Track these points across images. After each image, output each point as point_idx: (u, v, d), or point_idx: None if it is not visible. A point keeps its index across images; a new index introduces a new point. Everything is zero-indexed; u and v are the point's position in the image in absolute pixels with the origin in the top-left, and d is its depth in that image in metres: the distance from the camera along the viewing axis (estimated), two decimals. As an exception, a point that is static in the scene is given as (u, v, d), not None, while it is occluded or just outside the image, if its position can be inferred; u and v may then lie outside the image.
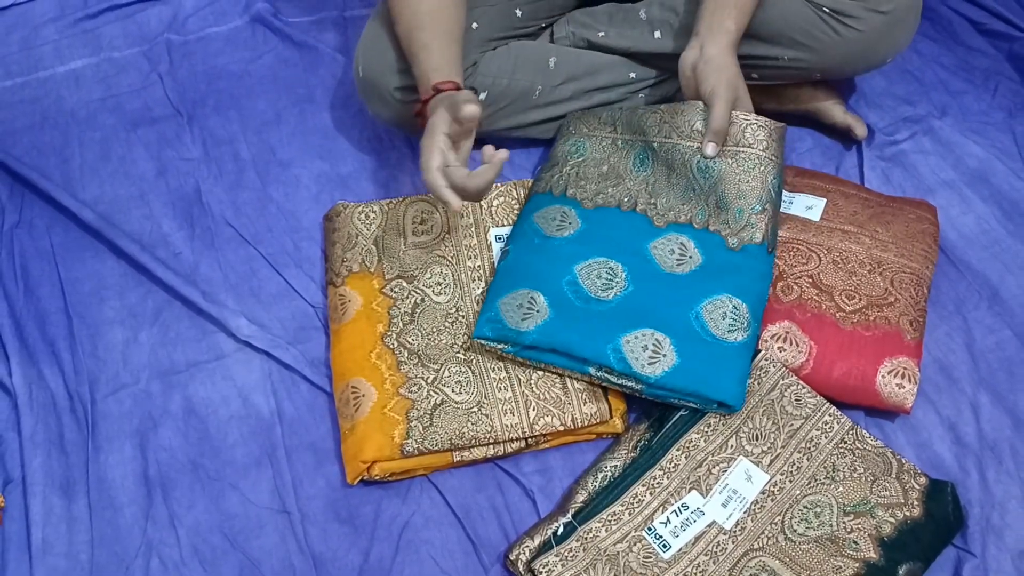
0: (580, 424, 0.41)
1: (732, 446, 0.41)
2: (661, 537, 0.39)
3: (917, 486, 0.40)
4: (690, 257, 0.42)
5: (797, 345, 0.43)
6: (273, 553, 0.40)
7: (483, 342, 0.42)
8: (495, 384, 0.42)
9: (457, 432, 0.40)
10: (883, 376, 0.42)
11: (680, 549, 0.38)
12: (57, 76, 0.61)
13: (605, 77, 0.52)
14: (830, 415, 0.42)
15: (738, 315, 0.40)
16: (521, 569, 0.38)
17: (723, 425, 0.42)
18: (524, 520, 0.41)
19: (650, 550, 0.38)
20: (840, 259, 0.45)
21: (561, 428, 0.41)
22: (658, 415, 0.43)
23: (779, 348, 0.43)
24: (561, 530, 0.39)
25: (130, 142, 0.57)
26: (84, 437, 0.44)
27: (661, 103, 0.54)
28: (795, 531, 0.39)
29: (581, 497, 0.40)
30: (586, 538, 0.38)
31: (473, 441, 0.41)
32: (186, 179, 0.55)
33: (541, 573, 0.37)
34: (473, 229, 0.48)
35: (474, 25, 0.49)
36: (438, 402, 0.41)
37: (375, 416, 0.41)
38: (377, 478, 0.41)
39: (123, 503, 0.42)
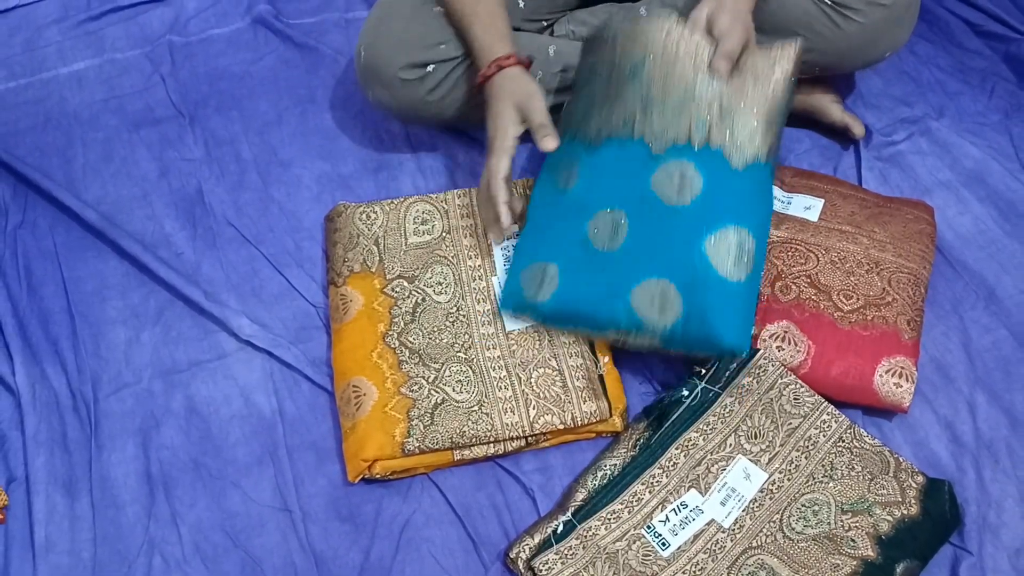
0: (580, 422, 0.42)
1: (731, 444, 0.41)
2: (660, 535, 0.39)
3: (914, 485, 0.40)
4: (691, 185, 0.39)
5: (795, 344, 0.43)
6: (275, 551, 0.40)
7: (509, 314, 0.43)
8: (496, 383, 0.42)
9: (458, 431, 0.41)
10: (880, 375, 0.42)
11: (679, 547, 0.39)
12: (60, 77, 0.61)
13: None
14: (828, 414, 0.43)
15: (744, 249, 0.39)
16: (521, 567, 0.39)
17: (722, 424, 0.42)
18: (524, 518, 0.41)
19: (649, 548, 0.39)
20: (838, 259, 0.45)
21: (561, 426, 0.41)
22: (657, 414, 0.43)
23: (778, 347, 0.43)
24: (561, 528, 0.39)
25: (132, 143, 0.57)
26: (87, 436, 0.44)
27: None
28: (793, 529, 0.39)
29: (581, 495, 0.40)
30: (586, 536, 0.39)
31: (474, 440, 0.41)
32: (188, 179, 0.55)
33: (541, 571, 0.38)
34: (474, 229, 0.48)
35: None
36: (439, 401, 0.42)
37: (376, 415, 0.41)
38: (378, 476, 0.41)
39: (125, 501, 0.42)
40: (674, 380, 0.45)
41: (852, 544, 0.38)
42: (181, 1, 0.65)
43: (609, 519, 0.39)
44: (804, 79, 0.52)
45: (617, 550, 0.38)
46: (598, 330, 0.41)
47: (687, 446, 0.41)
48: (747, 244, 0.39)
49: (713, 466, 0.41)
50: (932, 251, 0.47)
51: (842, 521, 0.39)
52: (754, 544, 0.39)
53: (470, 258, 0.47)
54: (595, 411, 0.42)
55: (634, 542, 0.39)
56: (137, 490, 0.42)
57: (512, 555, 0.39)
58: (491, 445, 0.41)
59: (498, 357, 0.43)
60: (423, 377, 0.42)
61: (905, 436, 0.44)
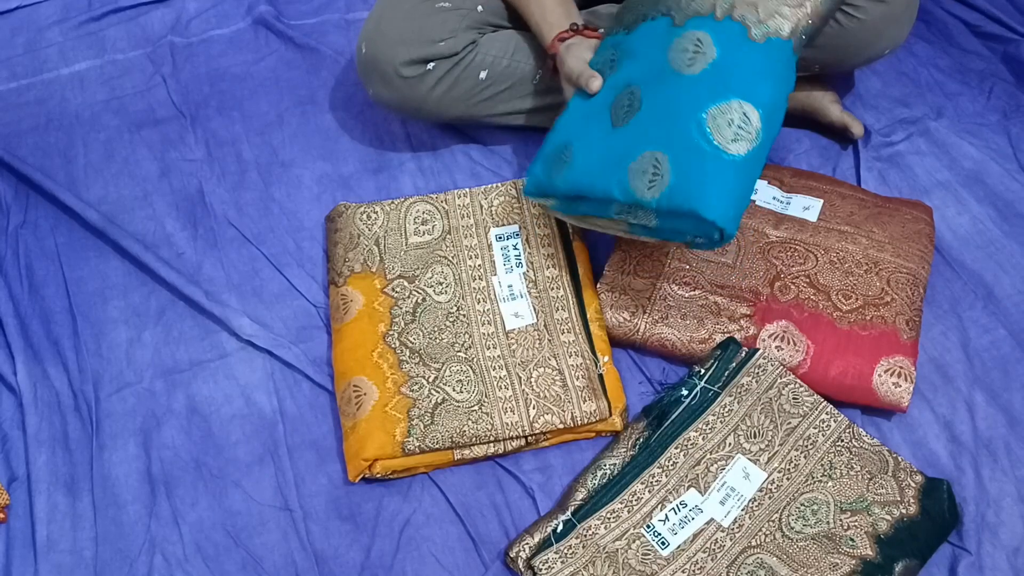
0: (580, 422, 0.42)
1: (730, 444, 0.42)
2: (660, 534, 0.39)
3: (913, 484, 0.40)
4: (704, 53, 0.36)
5: (795, 344, 0.43)
6: (275, 550, 0.41)
7: (533, 200, 0.43)
8: (496, 383, 0.42)
9: (458, 430, 0.41)
10: (880, 375, 0.42)
11: (679, 546, 0.39)
12: (61, 78, 0.61)
13: None
14: (827, 413, 0.43)
15: (747, 124, 0.35)
16: (521, 566, 0.39)
17: (721, 423, 0.42)
18: (524, 518, 0.41)
19: (649, 547, 0.39)
20: (837, 259, 0.45)
21: (561, 426, 0.42)
22: (657, 413, 0.43)
23: (777, 347, 0.43)
24: (561, 527, 0.39)
25: (134, 143, 0.58)
26: (88, 435, 0.44)
27: None
28: (792, 528, 0.39)
29: (580, 495, 0.40)
30: (585, 535, 0.39)
31: (474, 439, 0.41)
32: (189, 180, 0.55)
33: (541, 570, 0.38)
34: (474, 229, 0.48)
35: (479, 7, 0.50)
36: (439, 400, 0.42)
37: (377, 414, 0.41)
38: (378, 476, 0.41)
39: (127, 500, 0.42)
40: (673, 380, 0.45)
41: (851, 543, 0.38)
42: (182, 2, 0.66)
43: (609, 518, 0.39)
44: (803, 78, 0.52)
45: (617, 549, 0.38)
46: (601, 209, 0.39)
47: (686, 445, 0.41)
48: (752, 119, 0.35)
49: (712, 465, 0.41)
50: (931, 251, 0.47)
51: (841, 520, 0.39)
52: (753, 543, 0.39)
53: (470, 258, 0.47)
54: (595, 411, 0.42)
55: (634, 541, 0.39)
56: (138, 489, 0.42)
57: (512, 554, 0.39)
58: (491, 444, 0.42)
59: (498, 357, 0.43)
60: (423, 377, 0.43)
61: (904, 435, 0.44)
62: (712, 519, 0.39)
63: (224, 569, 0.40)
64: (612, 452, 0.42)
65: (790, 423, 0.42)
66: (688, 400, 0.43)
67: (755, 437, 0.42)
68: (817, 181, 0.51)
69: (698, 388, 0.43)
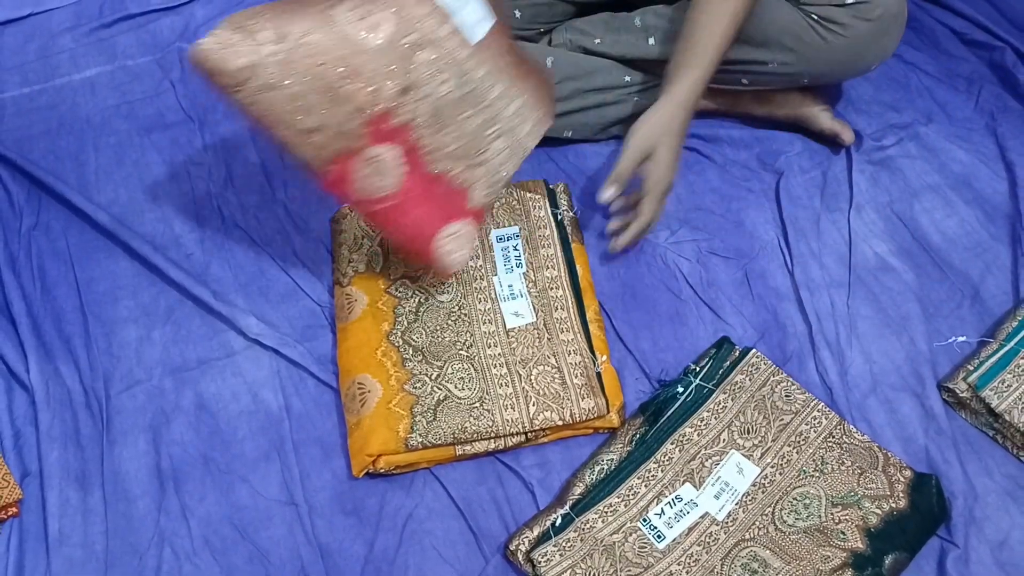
0: (578, 419, 0.43)
1: (724, 440, 0.43)
2: (656, 528, 0.40)
3: (903, 479, 0.41)
4: None
5: (384, 176, 0.36)
6: (281, 543, 0.41)
7: None
8: (496, 380, 0.43)
9: (460, 426, 0.41)
10: (441, 238, 0.40)
11: (674, 539, 0.40)
12: (73, 83, 0.62)
13: (601, 79, 0.54)
14: (819, 411, 0.44)
15: None
16: (520, 559, 0.40)
17: (716, 420, 0.43)
18: (524, 512, 0.42)
19: (645, 540, 0.39)
20: (469, 97, 0.37)
21: (560, 423, 0.42)
22: (653, 410, 0.44)
23: (368, 174, 0.36)
24: (559, 521, 0.40)
25: (143, 147, 0.59)
26: (99, 431, 0.45)
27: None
28: (785, 522, 0.40)
29: (578, 489, 0.41)
30: (583, 529, 0.39)
31: (475, 435, 0.42)
32: (197, 182, 0.56)
33: (540, 563, 0.39)
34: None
35: None
36: (441, 398, 0.42)
37: (380, 411, 0.42)
38: (382, 471, 0.42)
39: (137, 495, 0.43)
40: (669, 377, 0.46)
41: (842, 536, 0.39)
42: (190, 9, 0.67)
43: (606, 512, 0.40)
44: (793, 88, 0.54)
45: (614, 542, 0.39)
46: None
47: (682, 441, 0.42)
48: None
49: (707, 461, 0.42)
50: (537, 136, 0.41)
51: (832, 514, 0.40)
52: (747, 536, 0.40)
53: (472, 258, 0.48)
54: (593, 408, 0.43)
55: (630, 535, 0.40)
56: (148, 484, 0.43)
57: (512, 547, 0.40)
58: (492, 441, 0.42)
59: (499, 355, 0.44)
60: (426, 374, 0.43)
61: (895, 432, 0.45)
62: (707, 513, 0.40)
63: (231, 562, 0.41)
64: (609, 448, 0.43)
65: (782, 420, 0.43)
66: (683, 397, 0.44)
67: (749, 433, 0.43)
68: (499, 3, 0.40)
69: (693, 386, 0.44)
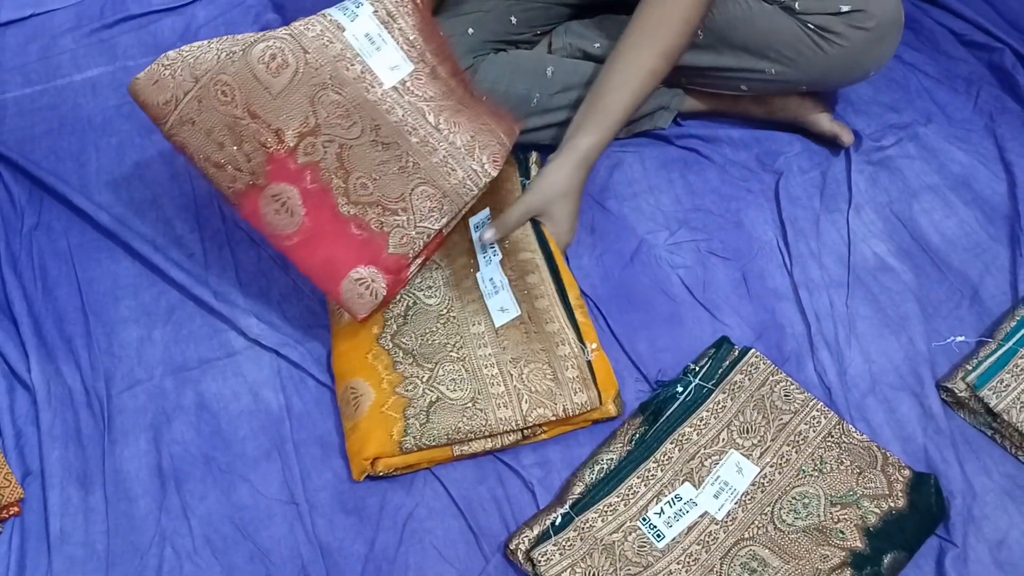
0: (572, 413, 0.42)
1: (724, 439, 0.43)
2: (655, 527, 0.40)
3: (901, 478, 0.41)
4: None
5: (291, 214, 0.38)
6: (282, 542, 0.42)
7: None
8: (488, 380, 0.43)
9: (453, 427, 0.41)
10: (350, 280, 0.39)
11: (673, 539, 0.40)
12: (74, 84, 0.62)
13: None
14: (818, 410, 0.44)
15: None
16: (520, 558, 0.40)
17: (715, 419, 0.43)
18: (524, 511, 0.42)
19: (645, 540, 0.40)
20: (383, 142, 0.38)
21: (553, 418, 0.42)
22: (653, 409, 0.44)
23: (275, 211, 0.39)
24: (559, 520, 0.40)
25: (144, 147, 0.59)
26: (100, 431, 0.45)
27: (653, 113, 0.55)
28: (784, 521, 0.40)
29: (578, 489, 0.41)
30: (583, 528, 0.40)
31: (470, 435, 0.42)
32: (198, 183, 0.56)
33: (540, 562, 0.39)
34: (462, 223, 0.47)
35: (469, 30, 0.51)
36: (434, 399, 0.42)
37: (374, 415, 0.42)
38: (381, 474, 0.42)
39: (138, 494, 0.43)
40: (668, 378, 0.46)
41: (841, 536, 0.39)
42: (192, 11, 0.67)
43: (606, 511, 0.40)
44: (792, 93, 0.54)
45: (614, 541, 0.39)
46: None
47: (681, 441, 0.42)
48: None
49: (706, 460, 0.42)
50: (486, 180, 0.41)
51: (831, 513, 0.40)
52: (746, 536, 0.40)
53: (459, 256, 0.47)
54: (586, 401, 0.42)
55: (630, 534, 0.40)
56: (149, 484, 0.43)
57: (512, 547, 0.40)
58: (488, 440, 0.42)
59: (489, 355, 0.44)
60: (418, 377, 0.43)
61: (893, 431, 0.45)
62: (706, 512, 0.40)
63: (232, 561, 0.41)
64: (609, 447, 0.43)
65: (782, 419, 0.43)
66: (683, 397, 0.44)
67: (748, 433, 0.43)
68: (436, 44, 0.41)
69: (692, 385, 0.44)
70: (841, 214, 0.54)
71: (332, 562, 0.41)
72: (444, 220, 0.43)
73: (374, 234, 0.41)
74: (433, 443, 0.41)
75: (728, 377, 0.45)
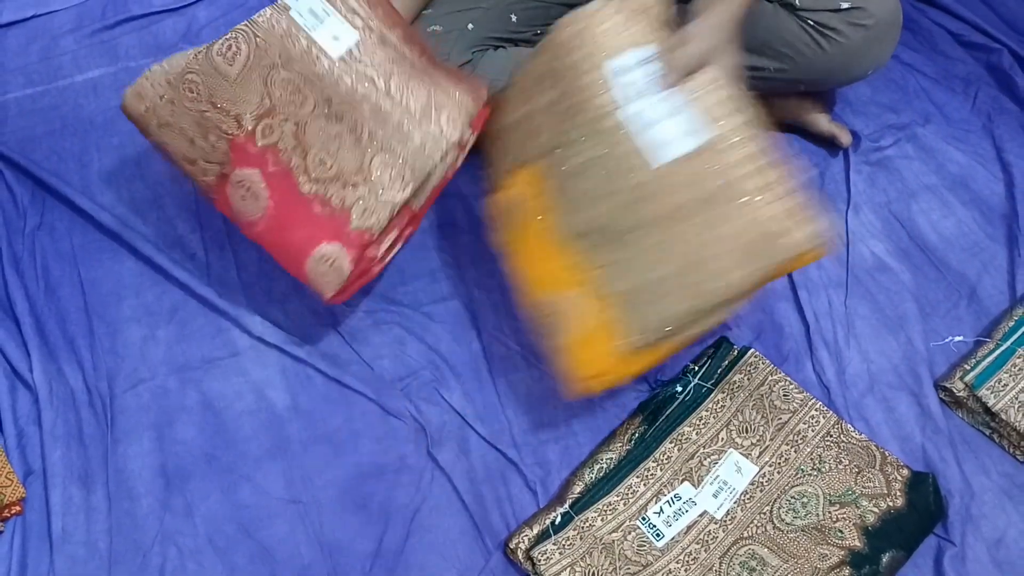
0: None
1: (723, 439, 0.43)
2: (654, 526, 0.40)
3: (900, 477, 0.41)
4: None
5: (257, 199, 0.38)
6: (286, 541, 0.42)
7: None
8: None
9: (671, 312, 0.34)
10: (314, 259, 0.38)
11: (673, 538, 0.40)
12: (76, 85, 0.62)
13: None
14: (816, 410, 0.44)
15: None
16: (520, 557, 0.40)
17: (714, 419, 0.43)
18: (525, 510, 0.42)
19: (644, 539, 0.40)
20: (336, 114, 0.36)
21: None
22: (652, 409, 0.44)
23: (241, 197, 0.38)
24: (559, 519, 0.40)
25: (146, 148, 0.59)
26: (103, 431, 0.45)
27: None
28: (783, 520, 0.40)
29: (578, 488, 0.42)
30: (583, 527, 0.40)
31: (692, 314, 0.34)
32: (200, 184, 0.57)
33: (540, 561, 0.39)
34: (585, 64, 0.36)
35: (469, 26, 0.50)
36: (640, 283, 0.35)
37: (587, 326, 0.36)
38: (599, 387, 0.36)
39: (140, 494, 0.43)
40: (667, 377, 0.46)
41: (840, 535, 0.40)
42: (193, 11, 0.67)
43: (605, 511, 0.41)
44: (791, 93, 0.54)
45: (613, 541, 0.40)
46: None
47: (680, 440, 0.43)
48: None
49: (706, 459, 0.42)
50: (446, 143, 0.38)
51: (830, 512, 0.40)
52: (745, 535, 0.40)
53: (598, 96, 0.35)
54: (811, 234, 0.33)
55: (629, 533, 0.40)
56: (152, 483, 0.43)
57: (512, 545, 0.40)
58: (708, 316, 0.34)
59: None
60: (613, 262, 0.35)
61: (892, 431, 0.45)
62: (705, 511, 0.41)
63: (235, 560, 0.41)
64: (608, 447, 0.43)
65: (780, 419, 0.43)
66: (682, 396, 0.44)
67: (747, 432, 0.43)
68: (384, 10, 0.39)
69: (692, 385, 0.44)
70: (839, 214, 0.54)
71: (339, 560, 0.41)
72: (409, 189, 0.39)
73: (335, 210, 0.39)
74: (660, 334, 0.35)
75: (727, 377, 0.45)
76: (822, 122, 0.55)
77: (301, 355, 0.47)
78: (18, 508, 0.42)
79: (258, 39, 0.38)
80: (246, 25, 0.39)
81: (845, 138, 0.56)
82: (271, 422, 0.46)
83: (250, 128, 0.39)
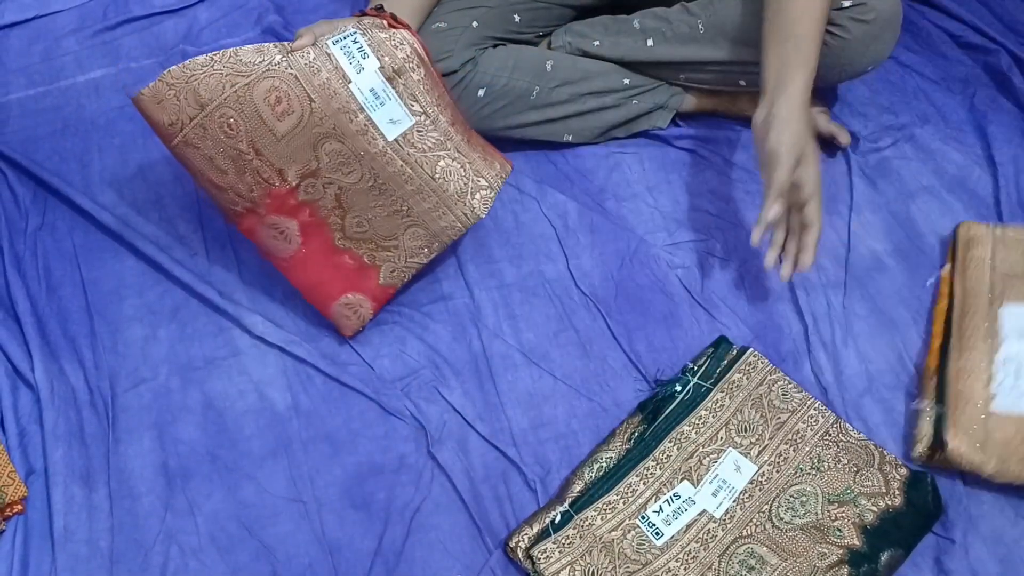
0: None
1: (722, 438, 0.43)
2: (654, 525, 0.40)
3: (898, 476, 0.41)
4: None
5: (288, 240, 0.41)
6: (288, 540, 0.42)
7: None
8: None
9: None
10: (339, 304, 0.43)
11: (672, 536, 0.40)
12: (78, 85, 0.63)
13: (600, 82, 0.54)
14: (815, 409, 0.44)
15: None
16: (520, 556, 0.40)
17: (713, 418, 0.44)
18: (526, 509, 0.43)
19: (643, 537, 0.40)
20: (380, 188, 0.40)
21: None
22: (652, 408, 0.44)
23: (272, 236, 0.41)
24: (559, 518, 0.40)
25: (147, 148, 0.59)
26: (104, 430, 0.45)
27: (652, 112, 0.56)
28: (782, 519, 0.40)
29: (578, 487, 0.42)
30: (582, 526, 0.40)
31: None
32: (201, 184, 0.57)
33: (539, 560, 0.39)
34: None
35: (474, 24, 0.51)
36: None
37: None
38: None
39: (142, 492, 0.43)
40: (666, 377, 0.46)
41: (838, 533, 0.40)
42: (194, 12, 0.67)
43: (605, 509, 0.41)
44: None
45: (613, 539, 0.40)
46: None
47: (680, 439, 0.43)
48: None
49: (705, 458, 0.42)
50: (474, 221, 0.42)
51: (829, 511, 0.40)
52: (744, 533, 0.40)
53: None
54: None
55: (629, 531, 0.40)
56: (153, 482, 0.44)
57: (512, 544, 0.40)
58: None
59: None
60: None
61: (890, 431, 0.45)
62: (704, 510, 0.41)
63: (238, 559, 0.41)
64: (608, 446, 0.43)
65: (779, 418, 0.44)
66: (681, 396, 0.44)
67: (746, 431, 0.43)
68: (440, 91, 0.41)
69: (691, 384, 0.45)
70: (839, 215, 0.54)
71: (339, 559, 0.41)
72: (432, 256, 0.45)
73: (366, 265, 0.43)
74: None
75: (727, 376, 0.45)
76: (821, 121, 0.55)
77: (302, 355, 0.48)
78: (20, 507, 0.43)
79: (313, 104, 0.39)
80: (296, 79, 0.38)
81: (844, 138, 0.56)
82: (272, 421, 0.46)
83: (293, 184, 0.40)
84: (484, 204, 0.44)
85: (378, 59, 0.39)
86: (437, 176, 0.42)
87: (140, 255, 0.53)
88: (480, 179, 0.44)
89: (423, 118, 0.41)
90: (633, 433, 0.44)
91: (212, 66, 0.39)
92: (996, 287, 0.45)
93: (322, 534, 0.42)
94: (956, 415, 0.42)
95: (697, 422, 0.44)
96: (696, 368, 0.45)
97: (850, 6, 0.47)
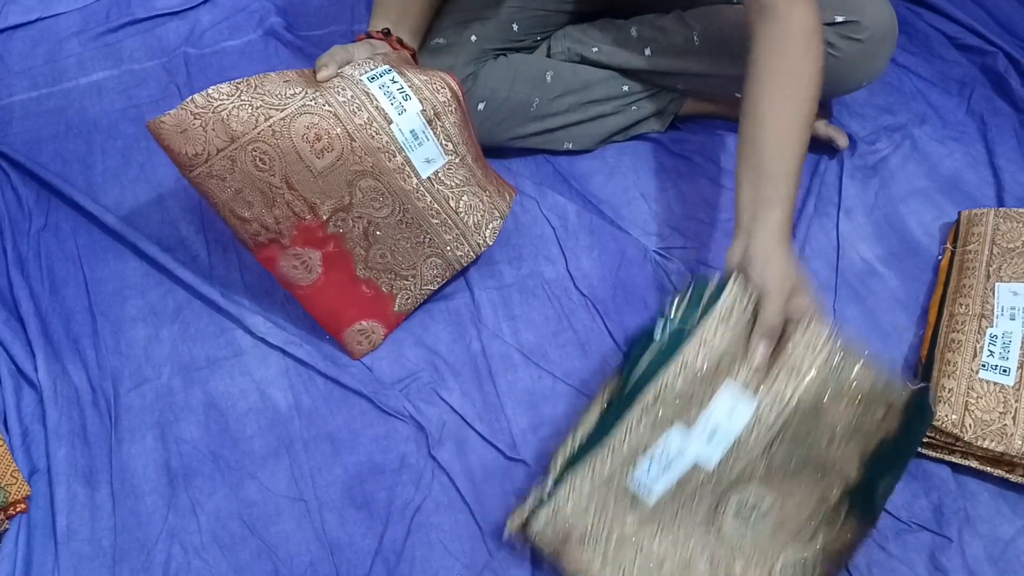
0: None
1: (718, 372, 0.37)
2: (645, 480, 0.38)
3: (898, 404, 0.38)
4: None
5: (308, 270, 0.41)
6: (290, 539, 0.42)
7: None
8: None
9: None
10: (352, 329, 0.44)
11: (666, 486, 0.38)
12: (80, 87, 0.63)
13: (599, 90, 0.54)
14: (815, 334, 0.38)
15: None
16: (517, 532, 0.39)
17: (702, 354, 0.37)
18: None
19: (635, 491, 0.38)
20: (407, 222, 0.42)
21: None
22: (628, 366, 0.40)
23: (293, 266, 0.42)
24: (550, 489, 0.39)
25: (150, 150, 0.59)
26: (107, 429, 0.45)
27: (651, 117, 0.56)
28: (781, 459, 0.38)
29: (564, 456, 0.40)
30: (574, 489, 0.38)
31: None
32: (203, 185, 0.57)
33: (536, 530, 0.38)
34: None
35: (472, 37, 0.51)
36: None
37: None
38: None
39: (145, 491, 0.43)
40: (639, 331, 0.42)
41: (838, 470, 0.37)
42: (196, 14, 0.68)
43: (593, 470, 0.38)
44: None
45: (606, 499, 0.38)
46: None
47: (664, 387, 0.38)
48: None
49: (695, 405, 0.38)
50: (484, 250, 0.44)
51: (828, 450, 0.38)
52: (743, 476, 0.38)
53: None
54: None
55: (621, 489, 0.38)
56: (156, 481, 0.44)
57: (509, 524, 0.39)
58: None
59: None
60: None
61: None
62: (699, 455, 0.38)
63: (240, 557, 0.41)
64: (588, 410, 0.41)
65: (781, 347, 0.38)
66: (659, 344, 0.39)
67: (740, 367, 0.38)
68: (470, 135, 0.43)
69: (667, 333, 0.39)
70: (830, 218, 0.54)
71: (341, 557, 0.41)
72: (443, 282, 0.46)
73: (383, 294, 0.44)
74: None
75: (711, 311, 0.38)
76: (819, 126, 0.56)
77: (302, 356, 0.48)
78: (23, 506, 0.43)
79: (354, 144, 0.39)
80: (335, 117, 0.38)
81: (842, 141, 0.56)
82: (274, 421, 0.46)
83: (325, 218, 0.41)
84: (494, 234, 0.46)
85: (420, 102, 0.40)
86: (460, 210, 0.43)
87: (143, 256, 0.53)
88: (495, 211, 0.45)
89: (454, 156, 0.42)
90: (613, 392, 0.40)
91: (239, 96, 0.38)
92: (994, 262, 0.44)
93: (323, 533, 0.42)
94: (942, 380, 0.41)
95: (684, 362, 0.37)
96: (673, 316, 0.39)
97: (842, 22, 0.47)
